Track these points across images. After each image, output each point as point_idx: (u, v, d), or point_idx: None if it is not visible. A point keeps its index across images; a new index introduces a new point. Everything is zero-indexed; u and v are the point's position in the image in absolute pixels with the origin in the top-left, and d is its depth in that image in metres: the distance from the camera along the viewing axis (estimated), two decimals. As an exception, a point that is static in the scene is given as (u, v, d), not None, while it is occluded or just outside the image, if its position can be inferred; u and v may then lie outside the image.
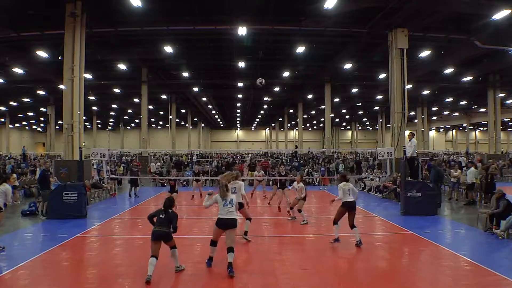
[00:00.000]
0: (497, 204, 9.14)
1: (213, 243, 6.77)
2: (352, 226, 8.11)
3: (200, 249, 7.95)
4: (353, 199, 8.14)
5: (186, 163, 27.79)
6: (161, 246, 6.26)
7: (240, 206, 8.37)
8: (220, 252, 6.79)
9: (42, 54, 18.04)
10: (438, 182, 13.91)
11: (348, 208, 8.12)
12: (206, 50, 20.43)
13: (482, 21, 15.02)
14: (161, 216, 6.34)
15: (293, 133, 61.96)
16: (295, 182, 10.75)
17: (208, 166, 22.92)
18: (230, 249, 6.40)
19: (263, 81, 14.04)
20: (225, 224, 6.53)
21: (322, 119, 37.96)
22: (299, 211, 10.26)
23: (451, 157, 33.00)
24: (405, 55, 15.23)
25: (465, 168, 16.17)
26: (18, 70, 21.58)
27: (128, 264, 7.04)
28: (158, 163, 25.69)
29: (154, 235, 6.24)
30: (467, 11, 14.28)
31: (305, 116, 45.90)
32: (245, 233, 8.64)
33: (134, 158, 29.20)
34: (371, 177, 18.76)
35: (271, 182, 14.60)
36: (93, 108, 41.76)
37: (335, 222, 8.27)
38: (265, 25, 16.22)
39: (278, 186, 12.89)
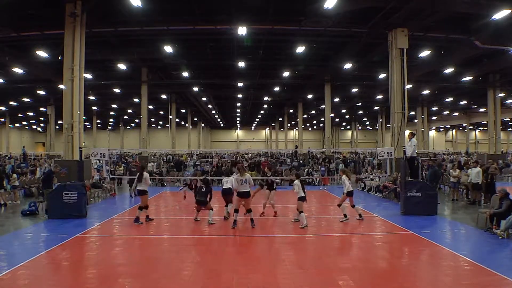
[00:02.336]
0: (500, 203, 9.12)
1: (236, 211, 9.77)
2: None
3: (200, 249, 7.95)
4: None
5: (186, 163, 27.77)
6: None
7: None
8: (216, 254, 6.73)
9: (42, 54, 17.98)
10: (434, 182, 13.93)
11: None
12: (206, 50, 20.39)
13: (482, 21, 14.98)
14: (202, 190, 10.22)
15: (293, 133, 61.95)
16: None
17: (208, 166, 22.75)
18: (249, 210, 9.73)
19: None
20: (242, 195, 9.55)
21: (322, 119, 37.90)
22: (300, 212, 10.03)
23: (449, 157, 32.92)
24: (405, 55, 15.18)
25: (465, 168, 16.16)
26: (18, 70, 21.49)
27: (128, 264, 7.05)
28: (150, 163, 25.05)
29: (196, 202, 10.26)
30: (467, 11, 14.25)
31: (305, 116, 45.83)
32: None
33: (134, 158, 29.17)
34: (371, 177, 18.77)
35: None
36: (93, 108, 41.67)
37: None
38: (265, 25, 16.17)
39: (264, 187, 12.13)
